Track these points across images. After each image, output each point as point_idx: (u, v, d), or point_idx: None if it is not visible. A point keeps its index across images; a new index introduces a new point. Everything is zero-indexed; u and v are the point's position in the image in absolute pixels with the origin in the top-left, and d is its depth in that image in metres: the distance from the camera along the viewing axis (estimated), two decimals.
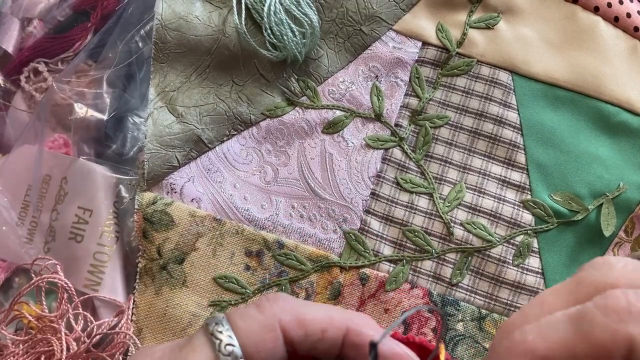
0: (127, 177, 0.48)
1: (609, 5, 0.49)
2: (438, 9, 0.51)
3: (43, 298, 0.44)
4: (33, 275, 0.45)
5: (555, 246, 0.47)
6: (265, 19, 0.48)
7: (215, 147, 0.49)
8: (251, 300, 0.47)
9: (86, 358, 0.43)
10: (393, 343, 0.29)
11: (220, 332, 0.26)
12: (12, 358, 0.43)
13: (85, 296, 0.46)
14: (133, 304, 0.46)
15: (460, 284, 0.46)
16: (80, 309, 0.45)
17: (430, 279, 0.46)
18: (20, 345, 0.44)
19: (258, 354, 0.26)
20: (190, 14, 0.50)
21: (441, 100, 0.49)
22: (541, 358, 0.21)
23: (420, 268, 0.47)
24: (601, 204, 0.47)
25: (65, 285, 0.44)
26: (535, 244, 0.47)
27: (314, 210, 0.48)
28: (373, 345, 0.24)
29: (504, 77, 0.49)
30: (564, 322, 0.21)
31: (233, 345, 0.26)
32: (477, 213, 0.47)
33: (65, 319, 0.44)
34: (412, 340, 0.30)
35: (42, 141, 0.49)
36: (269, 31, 0.48)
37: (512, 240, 0.47)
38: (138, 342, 0.44)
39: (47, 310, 0.44)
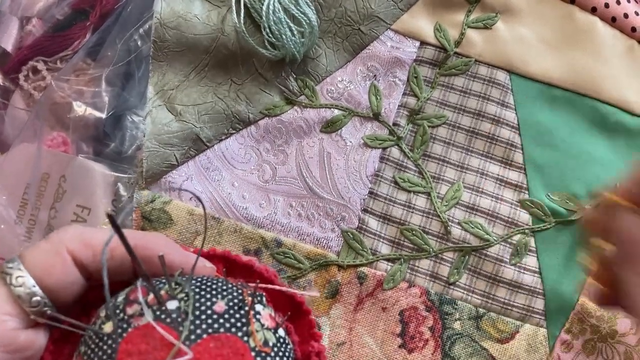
0: (125, 176, 0.48)
1: (607, 5, 0.50)
2: (436, 8, 0.51)
3: None
4: None
5: (552, 245, 0.47)
6: (264, 18, 0.48)
7: (213, 146, 0.49)
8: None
9: None
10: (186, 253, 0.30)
11: (11, 267, 0.27)
12: None
13: None
14: None
15: (457, 283, 0.46)
16: None
17: (427, 277, 0.47)
18: None
19: (50, 279, 0.27)
20: (189, 12, 0.50)
21: (439, 100, 0.50)
22: None
23: (418, 267, 0.47)
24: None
25: None
26: (533, 243, 0.47)
27: (312, 209, 0.48)
28: (110, 216, 0.24)
29: (501, 76, 0.49)
30: None
31: (23, 276, 0.26)
32: (474, 212, 0.47)
33: None
34: (214, 253, 0.31)
35: (41, 139, 0.49)
36: (268, 30, 0.48)
37: (509, 240, 0.47)
38: None
39: None
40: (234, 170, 0.49)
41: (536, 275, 0.46)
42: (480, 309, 0.46)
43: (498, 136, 0.49)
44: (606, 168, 0.48)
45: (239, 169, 0.49)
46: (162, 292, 0.26)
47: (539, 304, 0.46)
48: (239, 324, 0.26)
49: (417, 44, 0.51)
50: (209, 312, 0.26)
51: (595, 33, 0.50)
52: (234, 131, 0.49)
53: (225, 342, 0.25)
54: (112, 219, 0.24)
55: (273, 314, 0.28)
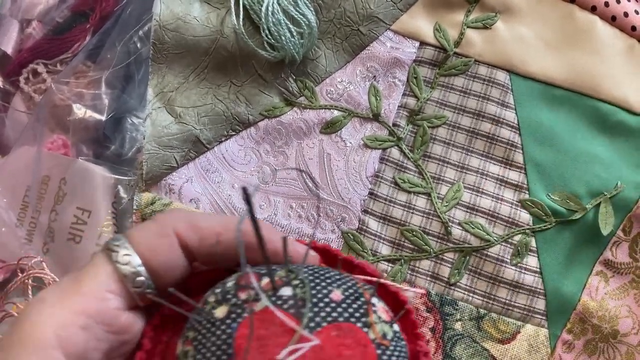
0: (125, 178, 0.48)
1: (606, 4, 0.49)
2: (435, 9, 0.51)
3: (30, 295, 0.44)
4: (19, 274, 0.45)
5: (553, 245, 0.47)
6: (263, 20, 0.48)
7: (213, 148, 0.49)
8: None
9: None
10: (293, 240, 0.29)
11: (117, 245, 0.26)
12: None
13: None
14: None
15: (458, 284, 0.46)
16: None
17: (428, 278, 0.47)
18: None
19: (155, 260, 0.26)
20: (188, 14, 0.50)
21: (439, 100, 0.50)
22: None
23: (419, 267, 0.47)
24: (599, 203, 0.47)
25: (52, 280, 0.44)
26: (533, 243, 0.47)
27: (312, 210, 0.48)
28: (244, 190, 0.23)
29: (501, 76, 0.49)
30: None
31: (129, 255, 0.26)
32: (475, 212, 0.47)
33: None
34: (315, 245, 0.30)
35: (41, 142, 0.49)
36: (267, 32, 0.48)
37: (510, 240, 0.47)
38: None
39: None
40: (234, 171, 0.49)
41: (537, 275, 0.46)
42: (481, 310, 0.46)
43: (498, 136, 0.48)
44: (607, 167, 0.47)
45: (239, 171, 0.49)
46: (276, 279, 0.25)
47: (540, 304, 0.46)
48: (357, 314, 0.25)
49: (417, 44, 0.50)
50: (326, 300, 0.25)
51: (595, 32, 0.49)
52: (233, 133, 0.49)
53: (347, 331, 0.24)
54: (246, 194, 0.23)
55: (387, 308, 0.27)
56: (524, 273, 0.46)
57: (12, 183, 0.50)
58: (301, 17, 0.48)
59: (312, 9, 0.49)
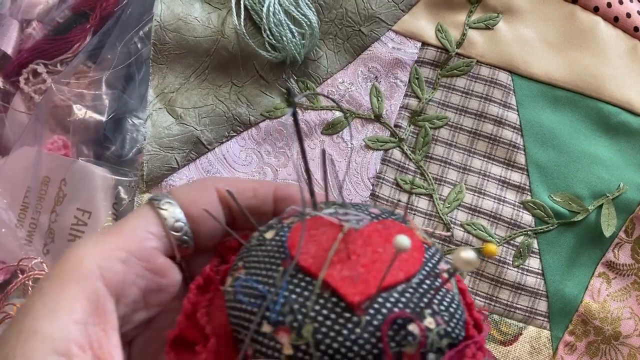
0: (126, 179, 0.48)
1: (609, 5, 0.49)
2: (437, 9, 0.51)
3: None
4: (20, 275, 0.45)
5: (555, 247, 0.47)
6: (265, 20, 0.47)
7: (214, 149, 0.49)
8: None
9: None
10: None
11: (159, 198, 0.28)
12: None
13: None
14: None
15: None
16: None
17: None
18: None
19: (195, 209, 0.28)
20: (189, 15, 0.50)
21: (441, 101, 0.49)
22: None
23: None
24: (601, 205, 0.47)
25: None
26: (536, 245, 0.47)
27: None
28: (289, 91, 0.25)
29: (503, 77, 0.49)
30: None
31: (171, 203, 0.28)
32: (477, 214, 0.47)
33: None
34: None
35: (41, 143, 0.49)
36: (268, 32, 0.48)
37: (512, 241, 0.47)
38: None
39: None
40: (235, 173, 0.48)
41: (539, 277, 0.46)
42: (484, 312, 0.46)
43: (500, 137, 0.48)
44: (609, 169, 0.47)
45: (240, 172, 0.49)
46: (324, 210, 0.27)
47: (542, 305, 0.46)
48: (398, 220, 0.26)
49: (419, 44, 0.50)
50: (367, 211, 0.26)
51: (597, 33, 0.49)
52: (234, 134, 0.49)
53: (391, 225, 0.25)
54: (300, 140, 0.25)
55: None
56: (526, 275, 0.46)
57: (12, 184, 0.49)
58: (302, 17, 0.48)
59: (313, 9, 0.49)
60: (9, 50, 0.54)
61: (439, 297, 0.24)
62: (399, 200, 0.47)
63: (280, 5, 0.48)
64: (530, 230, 0.47)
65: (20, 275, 0.45)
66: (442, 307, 0.23)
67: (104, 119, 0.49)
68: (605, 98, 0.48)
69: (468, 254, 0.22)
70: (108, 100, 0.49)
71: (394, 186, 0.48)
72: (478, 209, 0.47)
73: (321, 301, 0.22)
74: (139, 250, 0.26)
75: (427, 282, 0.24)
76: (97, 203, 0.47)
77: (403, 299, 0.23)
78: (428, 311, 0.23)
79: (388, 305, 0.22)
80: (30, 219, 0.49)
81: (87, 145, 0.50)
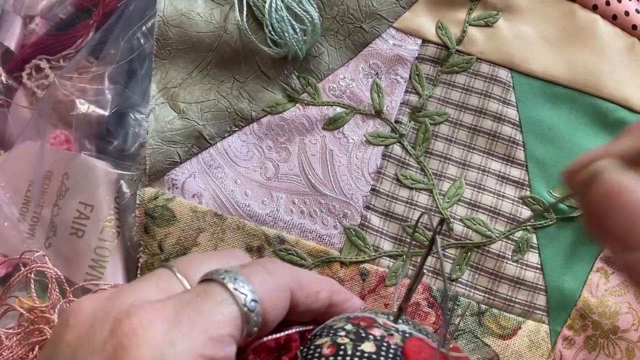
0: (128, 173, 0.49)
1: (608, 3, 0.50)
2: (438, 6, 0.51)
3: (32, 289, 0.44)
4: (22, 268, 0.45)
5: (554, 242, 0.47)
6: (267, 16, 0.48)
7: (216, 143, 0.49)
8: None
9: None
10: None
11: (243, 287, 0.25)
12: (7, 351, 0.43)
13: (77, 285, 0.46)
14: None
15: (459, 280, 0.47)
16: (72, 297, 0.45)
17: (430, 274, 0.47)
18: (14, 338, 0.44)
19: (274, 312, 0.26)
20: (191, 10, 0.50)
21: (441, 97, 0.50)
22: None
23: None
24: None
25: (55, 274, 0.44)
26: (535, 240, 0.47)
27: (314, 206, 0.48)
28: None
29: (503, 74, 0.50)
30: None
31: (256, 302, 0.25)
32: (476, 209, 0.48)
33: (57, 308, 0.44)
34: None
35: (44, 137, 0.49)
36: (270, 28, 0.48)
37: (511, 236, 0.47)
38: None
39: (37, 302, 0.44)
40: (236, 167, 0.49)
41: (538, 271, 0.46)
42: (483, 305, 0.46)
43: (500, 133, 0.49)
44: None
45: (241, 167, 0.49)
46: (384, 320, 0.29)
47: (540, 300, 0.46)
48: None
49: (419, 41, 0.51)
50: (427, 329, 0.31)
51: (596, 31, 0.50)
52: (236, 129, 0.49)
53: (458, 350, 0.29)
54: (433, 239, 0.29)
55: None
56: (525, 269, 0.46)
57: (15, 178, 0.50)
58: (304, 14, 0.48)
59: (315, 6, 0.49)
60: (12, 45, 0.54)
61: None
62: (400, 196, 0.48)
63: (282, 1, 0.48)
64: (529, 225, 0.47)
65: (23, 269, 0.45)
66: None
67: (106, 113, 0.49)
68: (604, 95, 0.49)
69: None
70: (111, 95, 0.50)
71: (395, 181, 0.48)
72: (477, 203, 0.48)
73: None
74: (212, 358, 0.24)
75: None
76: (99, 197, 0.48)
77: None
78: None
79: None
80: (33, 213, 0.49)
81: (90, 139, 0.50)
